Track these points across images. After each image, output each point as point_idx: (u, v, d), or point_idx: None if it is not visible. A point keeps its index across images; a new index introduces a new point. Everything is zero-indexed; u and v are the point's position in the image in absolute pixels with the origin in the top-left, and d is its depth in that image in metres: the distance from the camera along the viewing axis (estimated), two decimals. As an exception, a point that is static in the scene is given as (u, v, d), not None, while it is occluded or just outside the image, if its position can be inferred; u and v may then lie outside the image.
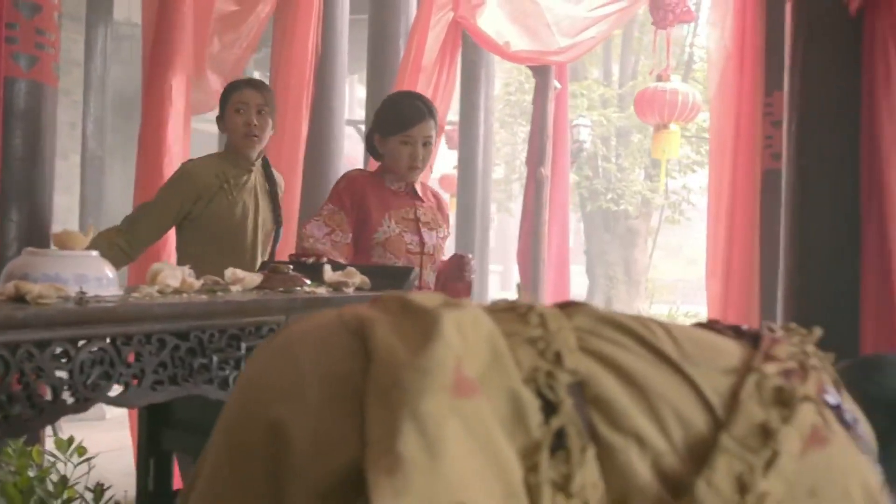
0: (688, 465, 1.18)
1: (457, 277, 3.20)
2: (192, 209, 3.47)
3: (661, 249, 19.06)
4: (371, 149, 3.38)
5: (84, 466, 2.80)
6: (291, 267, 2.55)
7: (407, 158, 3.22)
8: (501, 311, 1.25)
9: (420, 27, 5.28)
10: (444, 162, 10.69)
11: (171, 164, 3.97)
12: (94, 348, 1.82)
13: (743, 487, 1.17)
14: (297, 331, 1.20)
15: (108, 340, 1.86)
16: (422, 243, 3.26)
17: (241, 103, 3.53)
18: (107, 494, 2.66)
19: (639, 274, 15.44)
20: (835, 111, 2.45)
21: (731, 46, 4.83)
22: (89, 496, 2.65)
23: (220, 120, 3.61)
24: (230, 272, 2.42)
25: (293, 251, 3.65)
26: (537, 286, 6.29)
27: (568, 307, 1.30)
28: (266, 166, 3.68)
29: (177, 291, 2.18)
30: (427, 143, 3.22)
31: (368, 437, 1.01)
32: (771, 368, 1.28)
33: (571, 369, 1.18)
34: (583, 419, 1.16)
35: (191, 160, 3.73)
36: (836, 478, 1.24)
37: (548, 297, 6.02)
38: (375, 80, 6.40)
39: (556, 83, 6.14)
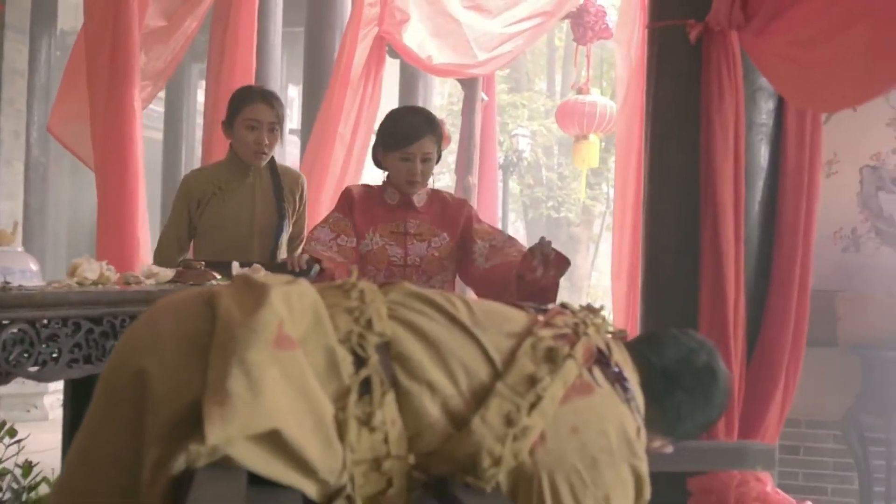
0: (471, 406, 1.52)
1: (533, 274, 2.93)
2: (193, 217, 3.57)
3: (605, 256, 19.50)
4: (376, 162, 3.43)
5: (14, 447, 3.05)
6: (203, 264, 2.84)
7: (405, 174, 3.27)
8: (330, 288, 1.59)
9: (349, 41, 5.57)
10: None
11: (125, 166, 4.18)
12: (15, 329, 2.10)
13: (510, 422, 1.51)
14: (162, 303, 1.52)
15: (28, 323, 2.14)
16: (406, 256, 3.32)
17: (253, 120, 3.52)
18: (35, 470, 2.92)
19: (581, 280, 15.87)
20: (678, 128, 2.78)
21: (636, 63, 5.18)
22: (18, 472, 2.91)
23: (228, 127, 3.60)
24: (146, 267, 2.70)
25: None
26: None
27: (386, 285, 1.64)
28: (271, 163, 3.67)
29: (95, 283, 2.46)
30: (427, 160, 3.27)
31: (207, 379, 1.33)
32: (546, 333, 1.63)
33: (379, 332, 1.52)
34: (386, 371, 1.50)
35: (192, 171, 3.86)
36: (596, 420, 1.59)
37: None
38: (311, 90, 6.70)
39: (483, 95, 6.47)
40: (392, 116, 3.39)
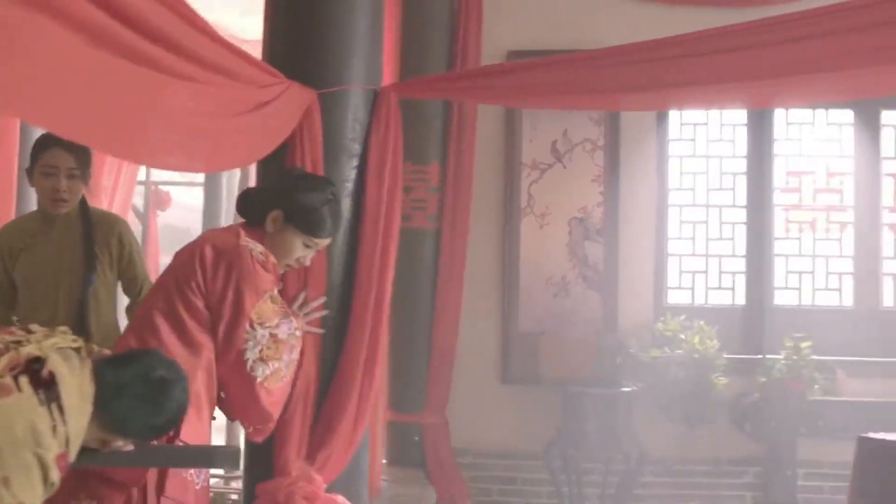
0: None
1: None
2: (10, 270, 3.43)
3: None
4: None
5: None
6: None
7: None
8: None
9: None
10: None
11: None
12: None
13: None
14: None
15: None
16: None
17: (49, 167, 3.31)
18: None
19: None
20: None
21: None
22: None
23: (30, 174, 3.41)
24: None
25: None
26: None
27: None
28: (84, 211, 3.45)
29: None
30: None
31: None
32: None
33: None
34: None
35: (5, 224, 3.67)
36: (7, 417, 1.95)
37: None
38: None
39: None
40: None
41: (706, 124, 5.59)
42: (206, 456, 2.40)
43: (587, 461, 5.20)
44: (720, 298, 5.54)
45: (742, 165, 5.55)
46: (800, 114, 5.56)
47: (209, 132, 2.32)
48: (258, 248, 2.79)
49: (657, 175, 5.56)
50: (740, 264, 5.52)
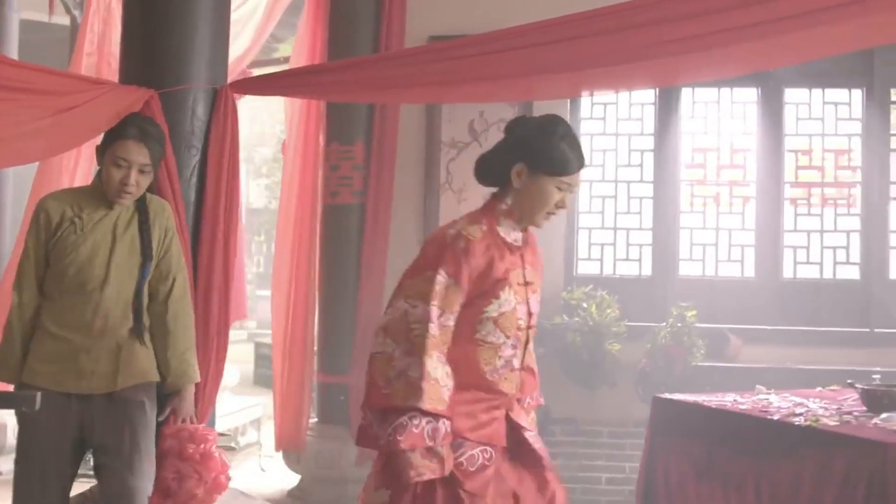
0: None
1: None
2: (48, 246, 3.14)
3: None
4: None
5: None
6: None
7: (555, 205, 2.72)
8: None
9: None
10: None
11: None
12: None
13: None
14: None
15: None
16: (529, 316, 2.77)
17: (122, 159, 3.11)
18: None
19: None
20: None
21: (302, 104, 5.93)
22: None
23: (100, 155, 3.19)
24: None
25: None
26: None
27: None
28: (140, 200, 3.23)
29: None
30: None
31: None
32: None
33: None
34: None
35: (49, 193, 3.37)
36: None
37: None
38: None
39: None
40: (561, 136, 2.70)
41: (616, 104, 5.87)
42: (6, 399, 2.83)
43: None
44: (628, 269, 5.86)
45: (650, 143, 5.83)
46: (706, 93, 5.82)
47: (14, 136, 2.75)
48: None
49: (569, 152, 5.85)
50: (647, 237, 5.82)
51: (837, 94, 5.75)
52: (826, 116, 5.74)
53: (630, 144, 5.87)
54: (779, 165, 5.73)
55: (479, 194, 5.81)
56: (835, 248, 5.71)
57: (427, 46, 5.00)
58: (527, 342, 2.75)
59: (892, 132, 5.72)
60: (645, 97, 5.84)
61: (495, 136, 5.85)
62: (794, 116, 5.75)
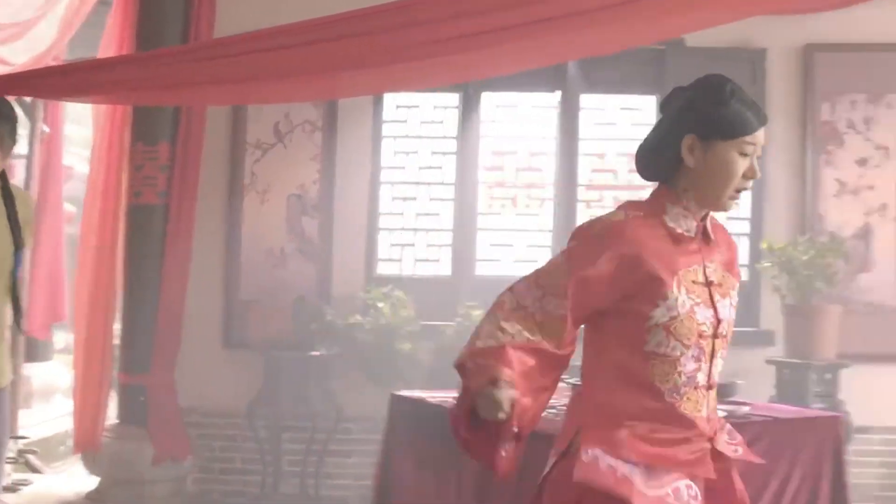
0: None
1: None
2: None
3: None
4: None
5: None
6: None
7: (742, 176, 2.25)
8: None
9: None
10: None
11: None
12: None
13: None
14: None
15: None
16: (717, 321, 2.25)
17: None
18: None
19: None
20: None
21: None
22: None
23: None
24: None
25: None
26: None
27: None
28: (4, 182, 3.21)
29: None
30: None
31: None
32: None
33: None
34: None
35: None
36: None
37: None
38: None
39: (45, 128, 7.06)
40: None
41: (419, 107, 5.96)
42: None
43: (289, 419, 5.62)
44: (428, 269, 5.94)
45: (451, 146, 5.93)
46: (506, 97, 5.93)
47: None
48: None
49: (371, 154, 5.94)
50: (447, 238, 5.91)
51: (632, 100, 5.91)
52: (620, 121, 5.90)
53: (432, 147, 5.95)
54: (574, 168, 5.86)
55: (283, 195, 6.03)
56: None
57: (203, 42, 5.01)
58: (713, 353, 2.24)
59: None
60: (448, 101, 5.93)
61: (300, 138, 6.02)
62: (590, 122, 5.89)
